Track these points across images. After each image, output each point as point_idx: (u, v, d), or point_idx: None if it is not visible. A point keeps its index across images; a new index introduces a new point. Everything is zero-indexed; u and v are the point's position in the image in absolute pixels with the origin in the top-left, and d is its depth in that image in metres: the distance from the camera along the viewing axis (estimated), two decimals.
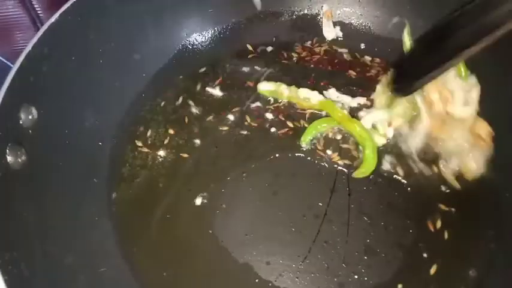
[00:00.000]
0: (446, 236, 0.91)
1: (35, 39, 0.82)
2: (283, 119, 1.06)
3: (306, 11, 1.24)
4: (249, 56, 1.18)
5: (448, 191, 0.96)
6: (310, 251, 0.89)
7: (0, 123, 0.74)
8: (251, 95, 1.09)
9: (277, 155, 1.01)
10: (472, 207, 0.94)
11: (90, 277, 0.82)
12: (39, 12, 1.31)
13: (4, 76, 0.76)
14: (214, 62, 1.16)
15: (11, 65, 0.80)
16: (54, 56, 0.86)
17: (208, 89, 1.11)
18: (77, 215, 0.87)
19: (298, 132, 1.03)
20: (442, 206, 0.94)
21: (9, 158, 0.74)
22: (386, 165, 0.99)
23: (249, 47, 1.20)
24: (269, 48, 1.19)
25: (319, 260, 0.88)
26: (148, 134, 1.04)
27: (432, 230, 0.91)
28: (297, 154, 1.01)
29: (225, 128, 1.05)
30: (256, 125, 1.05)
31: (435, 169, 0.98)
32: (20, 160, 0.76)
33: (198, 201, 0.95)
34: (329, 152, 1.01)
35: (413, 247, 0.89)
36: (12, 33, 1.30)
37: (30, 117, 0.80)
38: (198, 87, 1.12)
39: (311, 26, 1.23)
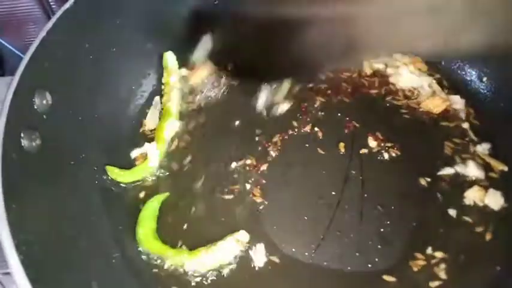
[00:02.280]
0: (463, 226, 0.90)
1: (49, 25, 0.82)
2: None
3: None
4: None
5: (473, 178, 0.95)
6: (323, 239, 0.88)
7: (15, 107, 0.73)
8: None
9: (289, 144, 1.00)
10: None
11: (104, 262, 0.83)
12: (52, 4, 1.32)
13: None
14: None
15: None
16: (67, 43, 0.86)
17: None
18: (90, 199, 0.87)
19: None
20: (459, 198, 0.93)
21: (24, 142, 0.74)
22: None
23: None
24: None
25: (332, 249, 0.87)
26: None
27: (448, 219, 0.90)
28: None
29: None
30: None
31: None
32: (34, 144, 0.76)
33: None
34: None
35: (428, 237, 0.88)
36: (26, 26, 1.31)
37: (44, 102, 0.80)
38: None
39: None
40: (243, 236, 0.87)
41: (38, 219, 0.70)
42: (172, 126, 1.02)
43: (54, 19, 0.83)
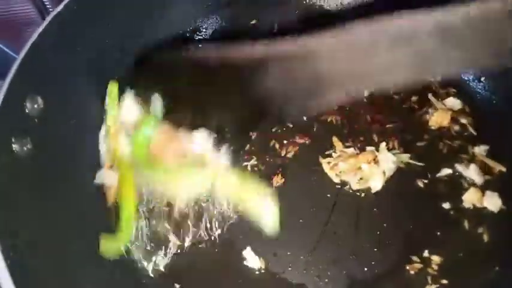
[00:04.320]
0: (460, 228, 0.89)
1: (40, 29, 0.81)
2: None
3: None
4: None
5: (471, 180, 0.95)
6: (318, 243, 0.87)
7: (6, 112, 0.73)
8: None
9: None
10: None
11: (96, 269, 0.82)
12: (48, 6, 1.31)
13: None
14: None
15: None
16: (59, 46, 0.85)
17: None
18: (83, 205, 0.86)
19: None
20: (457, 200, 0.92)
21: (15, 147, 0.73)
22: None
23: None
24: None
25: (328, 252, 0.86)
26: None
27: (445, 221, 0.90)
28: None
29: None
30: None
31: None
32: (25, 149, 0.75)
33: None
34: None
35: (425, 239, 0.87)
36: (22, 29, 1.30)
37: (36, 106, 0.79)
38: None
39: None
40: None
41: (27, 225, 0.70)
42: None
43: (45, 23, 0.82)
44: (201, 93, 0.87)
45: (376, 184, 0.92)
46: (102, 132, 0.93)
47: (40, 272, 0.66)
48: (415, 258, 0.85)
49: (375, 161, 0.94)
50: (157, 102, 0.91)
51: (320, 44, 0.77)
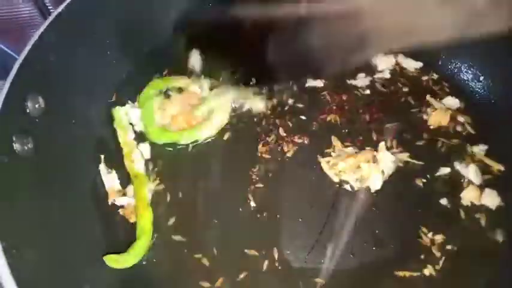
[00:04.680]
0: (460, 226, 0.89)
1: (41, 29, 0.83)
2: None
3: None
4: None
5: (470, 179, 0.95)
6: (317, 242, 0.87)
7: (7, 111, 0.74)
8: None
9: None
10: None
11: (96, 267, 0.83)
12: (49, 7, 1.32)
13: None
14: None
15: None
16: (60, 46, 0.86)
17: None
18: (83, 205, 0.87)
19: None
20: (456, 199, 0.93)
21: (16, 146, 0.74)
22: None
23: None
24: None
25: (327, 251, 0.86)
26: None
27: (444, 220, 0.90)
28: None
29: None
30: None
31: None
32: (26, 148, 0.76)
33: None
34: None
35: (424, 238, 0.88)
36: (25, 31, 1.31)
37: (37, 106, 0.80)
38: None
39: None
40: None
41: (28, 224, 0.71)
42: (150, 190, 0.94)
43: (46, 24, 0.83)
44: (240, 50, 0.88)
45: (375, 183, 0.92)
46: (102, 166, 0.95)
47: (40, 271, 0.67)
48: (414, 257, 0.86)
49: (374, 160, 0.94)
50: (196, 57, 0.99)
51: (366, 1, 0.77)
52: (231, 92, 1.03)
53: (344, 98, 1.08)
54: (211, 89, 1.06)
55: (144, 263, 0.86)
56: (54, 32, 0.83)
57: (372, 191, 0.93)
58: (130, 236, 0.88)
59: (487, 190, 0.92)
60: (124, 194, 0.94)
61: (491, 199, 0.91)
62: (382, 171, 0.93)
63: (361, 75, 1.12)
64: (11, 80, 0.75)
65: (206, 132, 1.00)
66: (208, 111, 1.02)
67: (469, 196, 0.92)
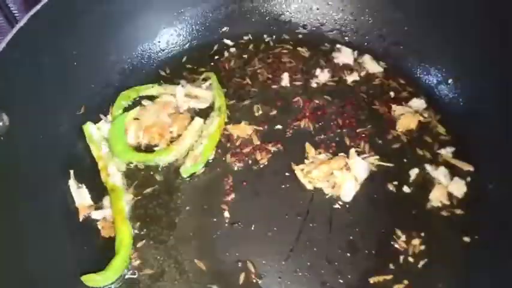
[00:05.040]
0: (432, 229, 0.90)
1: (3, 44, 0.80)
2: None
3: None
4: None
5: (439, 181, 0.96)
6: (292, 250, 0.88)
7: None
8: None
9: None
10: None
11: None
12: (16, 15, 1.29)
13: None
14: None
15: None
16: (25, 60, 0.84)
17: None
18: (53, 225, 0.85)
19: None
20: (426, 200, 0.94)
21: None
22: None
23: None
24: None
25: (302, 259, 0.87)
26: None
27: (418, 223, 0.91)
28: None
29: None
30: None
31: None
32: None
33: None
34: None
35: (398, 243, 0.89)
36: None
37: (1, 123, 0.78)
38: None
39: None
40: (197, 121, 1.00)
41: None
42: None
43: (8, 37, 0.81)
44: None
45: (348, 193, 0.93)
46: (71, 182, 0.93)
47: None
48: (388, 262, 0.87)
49: (347, 167, 0.95)
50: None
51: None
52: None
53: (316, 102, 1.08)
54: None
55: (122, 281, 0.85)
56: (16, 47, 0.81)
57: (345, 200, 0.93)
58: (106, 253, 0.86)
59: (456, 179, 0.95)
60: (98, 208, 0.92)
61: (458, 187, 0.94)
62: (356, 178, 0.94)
63: (318, 70, 1.14)
64: None
65: (173, 156, 0.99)
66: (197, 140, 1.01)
67: (436, 196, 0.94)
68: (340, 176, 0.93)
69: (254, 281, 0.84)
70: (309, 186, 0.95)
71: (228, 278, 0.85)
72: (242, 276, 0.85)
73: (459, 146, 1.01)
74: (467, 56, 1.05)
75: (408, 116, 1.04)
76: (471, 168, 0.97)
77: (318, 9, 1.23)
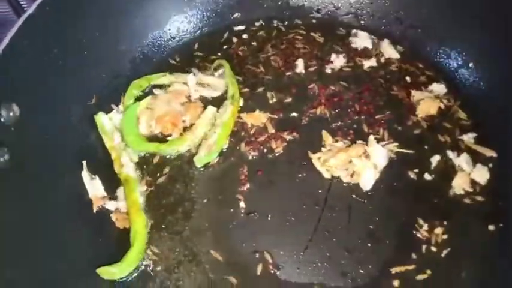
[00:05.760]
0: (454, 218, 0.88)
1: (12, 32, 0.78)
2: None
3: None
4: None
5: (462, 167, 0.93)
6: (311, 240, 0.85)
7: None
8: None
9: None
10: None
11: (87, 282, 0.80)
12: (24, 5, 1.28)
13: None
14: None
15: None
16: (34, 49, 0.82)
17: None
18: (65, 214, 0.84)
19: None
20: (448, 188, 0.91)
21: None
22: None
23: None
24: None
25: (321, 249, 0.85)
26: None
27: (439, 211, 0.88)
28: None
29: None
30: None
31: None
32: (2, 160, 0.73)
33: None
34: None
35: (419, 232, 0.86)
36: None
37: (11, 114, 0.77)
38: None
39: None
40: (210, 110, 0.99)
41: (10, 239, 0.68)
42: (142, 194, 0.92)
43: (16, 26, 0.79)
44: None
45: (367, 181, 0.90)
46: (84, 173, 0.92)
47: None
48: (410, 251, 0.84)
49: (365, 154, 0.92)
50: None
51: None
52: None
53: (332, 89, 1.06)
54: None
55: (137, 273, 0.83)
56: (25, 35, 0.80)
57: (364, 190, 0.91)
58: (121, 245, 0.85)
59: (479, 165, 0.92)
60: (112, 199, 0.91)
61: (481, 174, 0.91)
62: (375, 166, 0.91)
63: (334, 56, 1.11)
64: None
65: (186, 145, 0.97)
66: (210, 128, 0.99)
67: (459, 183, 0.91)
68: (359, 164, 0.90)
69: (272, 271, 0.83)
70: (327, 175, 0.92)
71: (245, 269, 0.83)
72: (260, 267, 0.83)
73: (481, 132, 0.98)
74: (488, 38, 1.01)
75: (428, 101, 1.00)
76: (494, 154, 0.94)
77: None
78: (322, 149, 0.95)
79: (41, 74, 0.84)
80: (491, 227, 0.86)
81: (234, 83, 1.04)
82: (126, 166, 0.92)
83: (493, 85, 1.02)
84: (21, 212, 0.73)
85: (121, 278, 0.82)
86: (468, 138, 0.97)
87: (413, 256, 0.84)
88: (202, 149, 0.95)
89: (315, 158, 0.94)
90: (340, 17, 1.20)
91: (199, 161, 0.94)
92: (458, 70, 1.07)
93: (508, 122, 0.95)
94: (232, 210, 0.89)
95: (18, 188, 0.74)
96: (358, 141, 0.95)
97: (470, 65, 1.06)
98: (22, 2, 1.26)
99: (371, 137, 0.94)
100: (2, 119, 0.75)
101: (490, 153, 0.94)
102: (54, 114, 0.87)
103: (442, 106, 1.01)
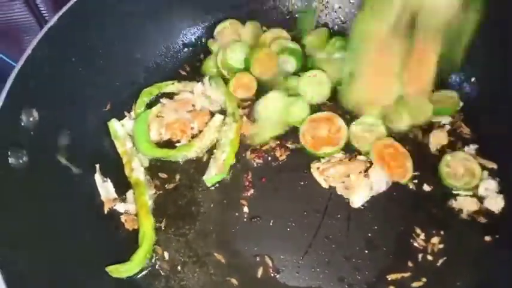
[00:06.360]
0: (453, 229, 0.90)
1: (35, 42, 0.83)
2: None
3: None
4: None
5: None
6: (310, 246, 0.89)
7: (1, 125, 0.76)
8: None
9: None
10: None
11: (97, 279, 0.84)
12: (44, 14, 1.32)
13: None
14: None
15: None
16: (54, 58, 0.87)
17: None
18: (82, 217, 0.88)
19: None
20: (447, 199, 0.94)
21: (11, 160, 0.76)
22: None
23: None
24: None
25: (320, 255, 0.88)
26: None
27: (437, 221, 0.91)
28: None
29: None
30: None
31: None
32: (21, 161, 0.78)
33: None
34: None
35: (416, 241, 0.89)
36: (20, 36, 1.31)
37: (31, 119, 0.82)
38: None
39: None
40: (218, 118, 1.02)
41: (26, 238, 0.72)
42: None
43: (39, 35, 0.84)
44: None
45: (358, 200, 0.92)
46: (97, 176, 0.96)
47: (39, 284, 0.68)
48: (407, 259, 0.87)
49: (365, 173, 0.94)
50: None
51: None
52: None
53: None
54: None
55: (144, 272, 0.88)
56: (47, 44, 0.84)
57: (354, 206, 0.92)
58: (129, 245, 0.89)
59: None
60: (122, 201, 0.95)
61: (495, 202, 0.92)
62: (371, 187, 0.93)
63: None
64: (5, 94, 0.77)
65: (194, 151, 1.01)
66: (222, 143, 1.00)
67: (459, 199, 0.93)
68: (355, 181, 0.93)
69: (272, 275, 0.86)
70: (324, 185, 0.95)
71: (246, 272, 0.87)
72: (260, 270, 0.87)
73: (482, 144, 0.99)
74: (489, 54, 1.03)
75: (439, 131, 1.01)
76: (494, 166, 0.96)
77: (340, 7, 1.22)
78: (321, 159, 0.98)
79: (60, 82, 0.89)
80: (487, 238, 0.88)
81: (233, 100, 1.05)
82: (136, 170, 0.96)
83: (494, 98, 1.03)
84: (36, 211, 0.78)
85: (129, 277, 0.86)
86: (469, 149, 0.99)
87: (410, 264, 0.86)
88: (212, 169, 0.97)
89: (314, 167, 0.97)
90: (348, 31, 1.22)
91: (210, 180, 0.97)
92: (459, 84, 1.09)
93: (508, 135, 0.97)
94: (236, 214, 0.93)
95: (35, 188, 0.79)
96: (360, 157, 0.98)
97: (473, 79, 1.07)
98: (43, 11, 1.31)
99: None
100: (22, 123, 0.80)
101: (491, 165, 0.96)
102: (71, 120, 0.92)
103: (448, 127, 1.03)
